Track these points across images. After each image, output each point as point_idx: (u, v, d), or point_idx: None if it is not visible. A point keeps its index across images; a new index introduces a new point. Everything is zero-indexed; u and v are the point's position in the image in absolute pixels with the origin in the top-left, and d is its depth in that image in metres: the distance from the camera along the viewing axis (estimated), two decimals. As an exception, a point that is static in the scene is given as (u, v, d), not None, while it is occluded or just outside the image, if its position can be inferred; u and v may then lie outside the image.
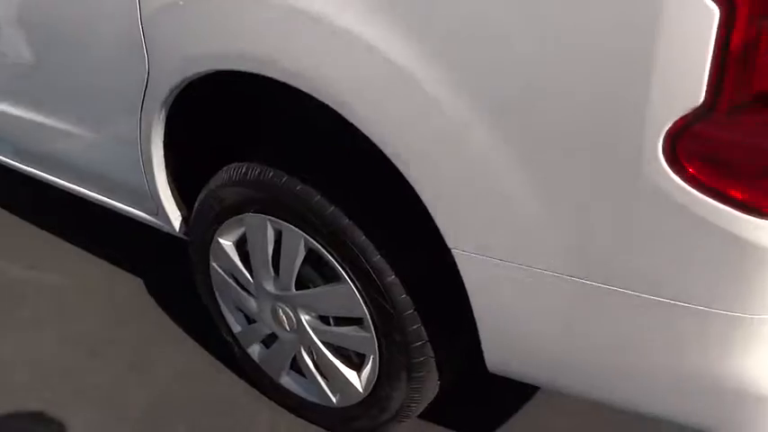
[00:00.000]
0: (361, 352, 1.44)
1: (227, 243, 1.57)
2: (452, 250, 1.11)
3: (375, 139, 1.10)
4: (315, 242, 1.35)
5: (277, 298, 1.51)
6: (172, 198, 1.71)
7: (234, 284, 1.61)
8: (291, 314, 1.50)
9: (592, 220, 0.98)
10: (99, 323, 2.09)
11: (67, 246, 2.45)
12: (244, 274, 1.56)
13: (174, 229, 1.75)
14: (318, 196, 1.31)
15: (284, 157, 1.41)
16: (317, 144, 1.44)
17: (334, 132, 1.47)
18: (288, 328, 1.53)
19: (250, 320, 1.70)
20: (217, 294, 1.70)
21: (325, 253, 1.34)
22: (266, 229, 1.43)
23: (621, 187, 0.93)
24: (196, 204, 1.60)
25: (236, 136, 1.70)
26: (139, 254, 2.37)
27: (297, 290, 1.45)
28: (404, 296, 1.29)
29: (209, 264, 1.65)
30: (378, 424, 1.52)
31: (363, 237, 1.28)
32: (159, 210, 1.75)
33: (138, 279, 2.27)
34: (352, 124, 1.32)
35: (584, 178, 0.95)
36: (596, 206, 0.97)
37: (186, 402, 1.80)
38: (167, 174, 1.65)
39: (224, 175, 1.48)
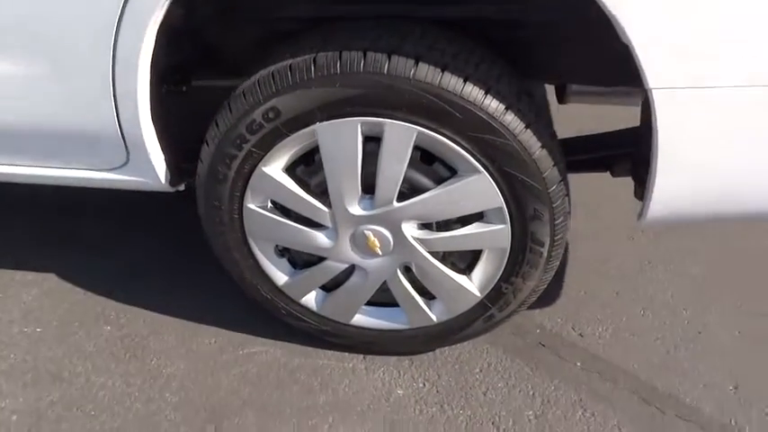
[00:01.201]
0: (483, 248, 1.27)
1: (275, 171, 1.22)
2: (653, 90, 1.00)
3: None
4: (436, 134, 1.11)
5: (366, 220, 1.24)
6: (156, 138, 1.26)
7: (288, 223, 1.28)
8: (388, 233, 1.25)
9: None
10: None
11: None
12: (310, 204, 1.24)
13: (158, 179, 1.31)
14: (444, 74, 1.06)
15: (371, 38, 1.10)
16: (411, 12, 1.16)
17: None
18: (380, 252, 1.27)
19: (297, 266, 1.39)
20: (253, 245, 1.34)
21: (451, 144, 1.12)
22: (356, 136, 1.14)
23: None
24: (216, 132, 1.20)
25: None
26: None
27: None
28: (552, 167, 1.15)
29: (239, 208, 1.28)
30: (492, 324, 1.39)
31: (506, 109, 1.09)
32: (132, 158, 1.28)
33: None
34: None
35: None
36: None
37: (239, 388, 1.44)
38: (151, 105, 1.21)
39: (274, 80, 1.12)
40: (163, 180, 1.31)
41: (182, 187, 1.40)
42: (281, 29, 1.37)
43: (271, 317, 1.49)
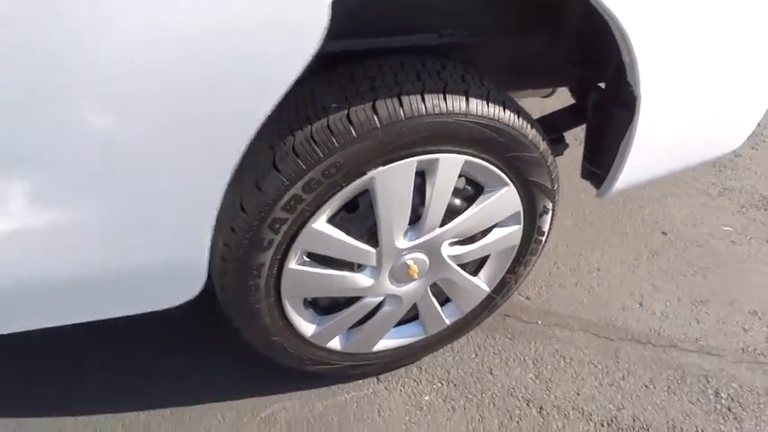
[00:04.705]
0: (499, 250, 1.41)
1: (322, 225, 1.17)
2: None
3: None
4: (479, 159, 1.20)
5: (409, 251, 1.27)
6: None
7: (331, 272, 1.23)
8: (426, 258, 1.30)
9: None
10: None
11: None
12: (357, 248, 1.21)
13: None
14: (489, 104, 1.15)
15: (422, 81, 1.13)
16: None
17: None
18: (417, 276, 1.32)
19: (320, 312, 1.35)
20: (286, 304, 1.25)
21: (489, 165, 1.23)
22: (411, 175, 1.16)
23: None
24: (260, 197, 1.09)
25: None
26: None
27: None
28: (556, 167, 1.34)
29: (278, 271, 1.19)
30: (493, 310, 1.55)
31: (530, 126, 1.23)
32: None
33: None
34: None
35: None
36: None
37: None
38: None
39: (332, 134, 1.06)
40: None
41: None
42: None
43: (273, 371, 1.42)
